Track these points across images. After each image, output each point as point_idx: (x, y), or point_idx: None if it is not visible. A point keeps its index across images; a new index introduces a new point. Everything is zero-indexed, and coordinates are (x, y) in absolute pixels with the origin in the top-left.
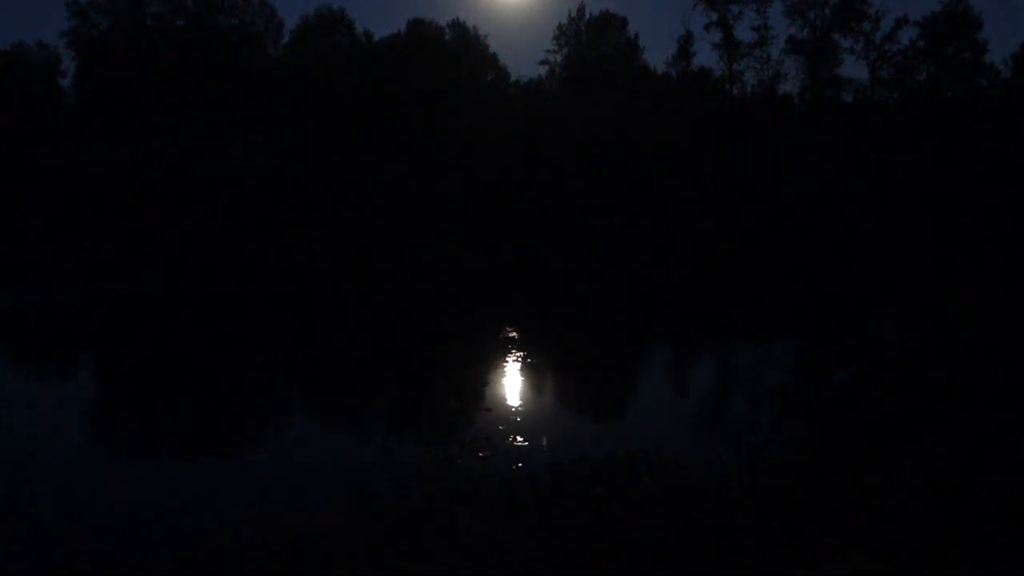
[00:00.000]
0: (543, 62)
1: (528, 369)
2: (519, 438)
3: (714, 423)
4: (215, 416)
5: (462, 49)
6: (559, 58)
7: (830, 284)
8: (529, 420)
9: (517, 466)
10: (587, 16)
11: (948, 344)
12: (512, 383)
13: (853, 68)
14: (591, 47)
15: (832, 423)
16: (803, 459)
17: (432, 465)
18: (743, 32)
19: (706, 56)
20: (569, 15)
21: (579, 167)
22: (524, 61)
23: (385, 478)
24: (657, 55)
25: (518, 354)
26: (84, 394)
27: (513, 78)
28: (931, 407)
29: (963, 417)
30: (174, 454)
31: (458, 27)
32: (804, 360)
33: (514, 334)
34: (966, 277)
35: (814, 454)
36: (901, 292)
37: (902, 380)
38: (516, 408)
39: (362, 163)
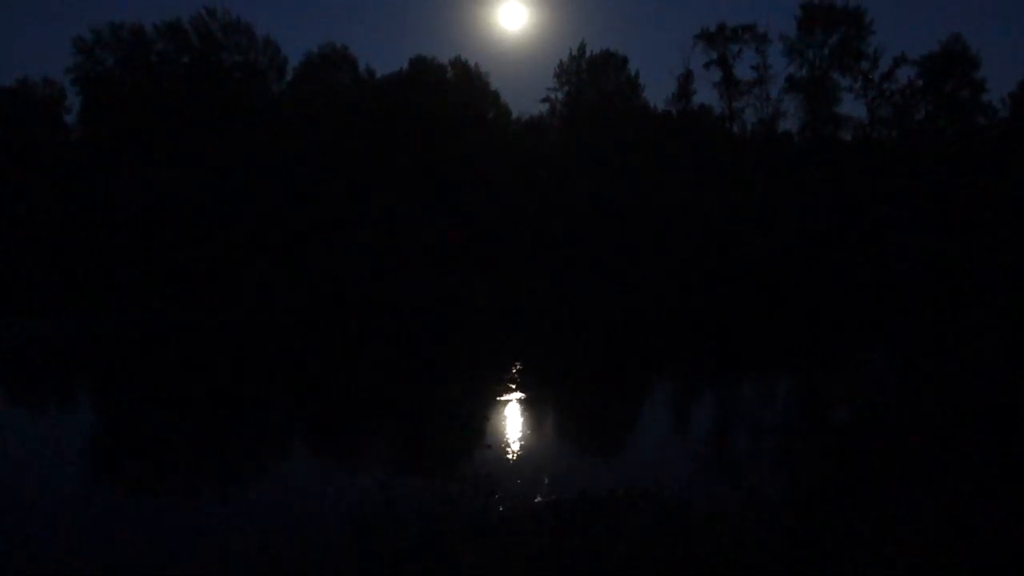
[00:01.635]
0: (544, 99)
1: (528, 405)
2: (520, 475)
3: (715, 459)
4: (216, 450)
5: (464, 86)
6: (560, 96)
7: (830, 320)
8: (529, 456)
9: (517, 503)
10: (588, 54)
11: (949, 379)
12: (512, 419)
13: (852, 106)
14: (592, 85)
15: (833, 459)
16: (804, 496)
17: (432, 501)
18: (743, 71)
19: (706, 94)
20: (570, 53)
21: (580, 204)
22: (525, 99)
23: (384, 514)
24: (657, 93)
25: (518, 389)
26: (84, 428)
27: (514, 115)
28: (932, 443)
29: (964, 452)
30: (175, 488)
31: (460, 65)
32: (804, 396)
33: (515, 369)
34: (966, 312)
35: (815, 490)
36: (901, 328)
37: (899, 416)
38: (516, 444)
39: (364, 198)
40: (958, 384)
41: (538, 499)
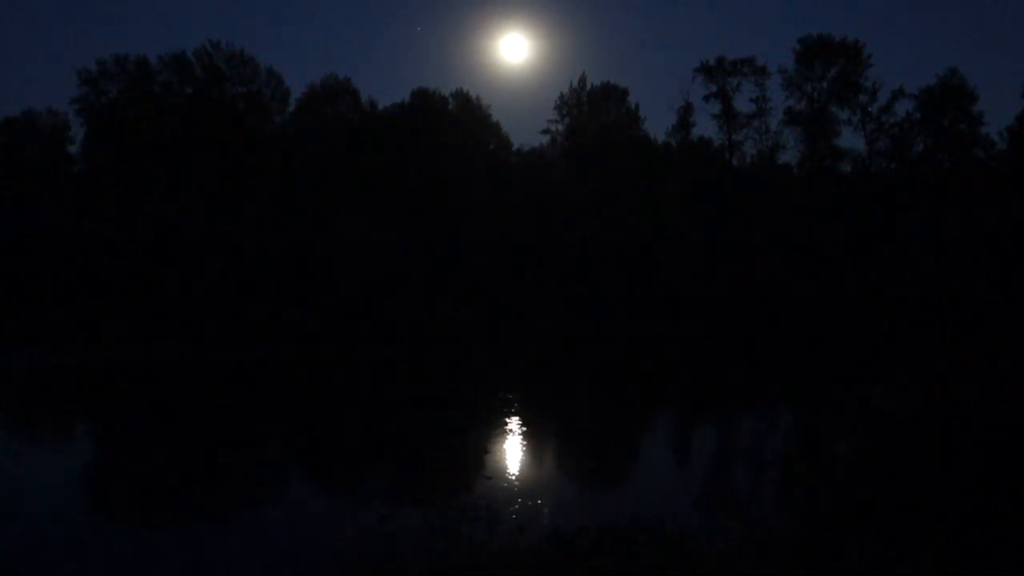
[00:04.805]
0: (545, 131)
1: (528, 436)
2: (519, 507)
3: (715, 492)
4: (214, 483)
5: (465, 118)
6: (560, 127)
7: (831, 352)
8: (529, 488)
9: (517, 536)
10: (588, 86)
11: (949, 412)
12: (512, 450)
13: (851, 139)
14: (592, 117)
15: (834, 493)
16: (805, 530)
17: (430, 534)
18: (742, 103)
19: (706, 126)
20: (571, 85)
21: (580, 234)
22: (526, 130)
23: (383, 547)
24: (657, 125)
25: (518, 420)
26: (83, 459)
27: (515, 146)
28: (934, 477)
29: (966, 487)
30: (173, 522)
31: (461, 96)
32: (805, 428)
33: (514, 400)
34: (965, 344)
35: (816, 524)
36: (901, 360)
37: (902, 449)
38: (516, 476)
39: (366, 229)
40: (959, 417)
41: (538, 531)
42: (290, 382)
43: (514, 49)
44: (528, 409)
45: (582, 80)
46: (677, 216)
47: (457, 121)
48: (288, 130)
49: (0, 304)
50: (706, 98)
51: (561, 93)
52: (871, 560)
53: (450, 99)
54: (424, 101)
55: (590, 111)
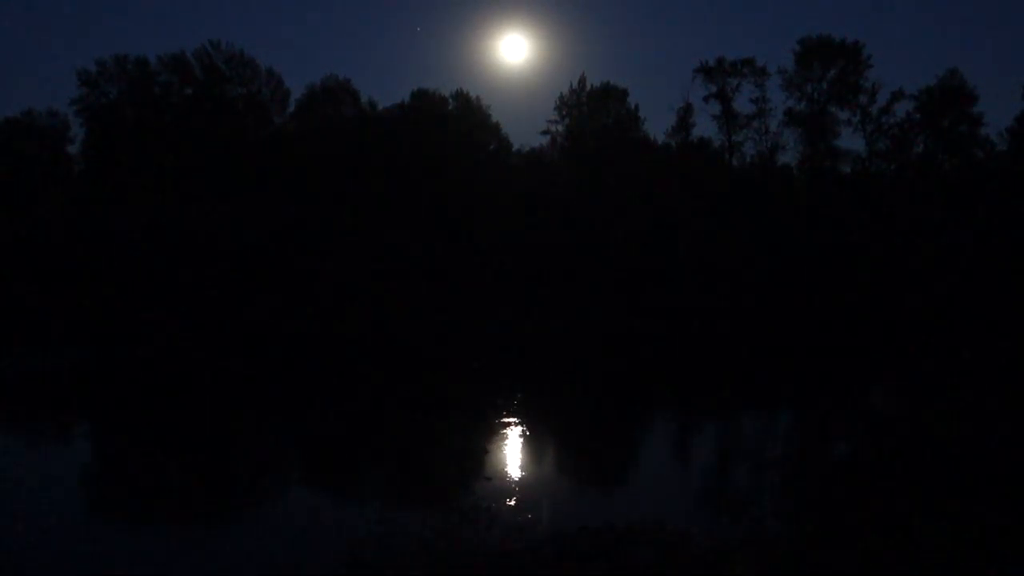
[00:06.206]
0: (545, 131)
1: (528, 437)
2: (519, 508)
3: (716, 493)
4: (212, 484)
5: (465, 118)
6: (560, 128)
7: (829, 353)
8: (529, 489)
9: (517, 536)
10: (588, 87)
11: (947, 413)
12: (512, 451)
13: (850, 140)
14: (592, 117)
15: (835, 493)
16: (806, 530)
17: (430, 534)
18: (742, 104)
19: (705, 127)
20: (571, 86)
21: (579, 235)
22: (526, 131)
23: (383, 549)
24: (657, 126)
25: (518, 422)
26: (82, 460)
27: (515, 147)
28: (932, 478)
29: (968, 487)
30: (170, 524)
31: (461, 97)
32: (804, 430)
33: (514, 401)
34: (965, 346)
35: (815, 525)
36: (900, 361)
37: (902, 450)
38: (516, 477)
39: (365, 230)
40: (962, 418)
41: (538, 532)
42: (286, 385)
43: (514, 49)
44: (528, 409)
45: (582, 80)
46: (677, 216)
47: (457, 121)
48: (288, 130)
49: None
50: (706, 99)
51: (561, 93)
52: (870, 560)
53: (450, 99)
54: (424, 101)
55: (590, 112)
